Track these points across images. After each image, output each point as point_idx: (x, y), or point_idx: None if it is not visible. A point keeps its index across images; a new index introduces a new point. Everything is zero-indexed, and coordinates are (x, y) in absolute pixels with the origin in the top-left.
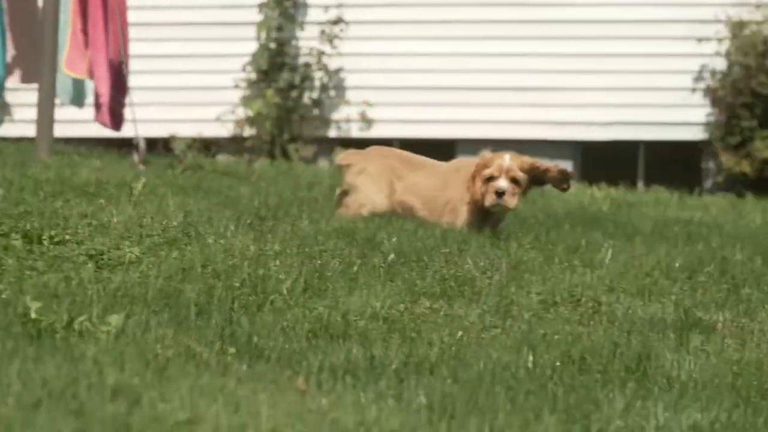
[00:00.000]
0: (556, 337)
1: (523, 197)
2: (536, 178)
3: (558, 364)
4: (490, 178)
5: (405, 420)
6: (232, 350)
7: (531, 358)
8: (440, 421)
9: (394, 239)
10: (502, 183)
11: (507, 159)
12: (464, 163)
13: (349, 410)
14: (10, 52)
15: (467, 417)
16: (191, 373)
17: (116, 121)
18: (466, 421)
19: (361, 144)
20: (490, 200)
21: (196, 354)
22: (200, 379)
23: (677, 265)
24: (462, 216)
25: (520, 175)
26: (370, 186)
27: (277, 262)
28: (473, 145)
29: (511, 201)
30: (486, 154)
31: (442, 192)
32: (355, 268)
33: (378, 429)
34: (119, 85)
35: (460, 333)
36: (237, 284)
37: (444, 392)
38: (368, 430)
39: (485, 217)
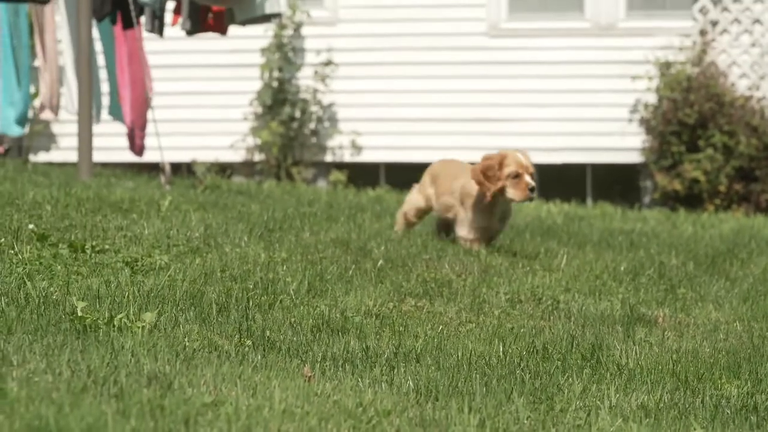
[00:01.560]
0: (522, 330)
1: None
2: None
3: (524, 353)
4: (517, 175)
5: (396, 401)
6: (248, 342)
7: (501, 348)
8: (426, 402)
9: (383, 248)
10: (530, 180)
11: (523, 157)
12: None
13: (348, 393)
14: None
15: (449, 398)
16: (214, 362)
17: (137, 149)
18: (448, 402)
19: (353, 167)
20: (522, 196)
21: (218, 346)
22: (222, 367)
23: (622, 268)
24: (463, 215)
25: (533, 171)
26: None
27: (285, 268)
28: None
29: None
30: (491, 153)
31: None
32: (351, 272)
33: (374, 409)
34: (139, 120)
35: (440, 327)
36: (251, 286)
37: (429, 378)
38: (366, 410)
39: (491, 215)
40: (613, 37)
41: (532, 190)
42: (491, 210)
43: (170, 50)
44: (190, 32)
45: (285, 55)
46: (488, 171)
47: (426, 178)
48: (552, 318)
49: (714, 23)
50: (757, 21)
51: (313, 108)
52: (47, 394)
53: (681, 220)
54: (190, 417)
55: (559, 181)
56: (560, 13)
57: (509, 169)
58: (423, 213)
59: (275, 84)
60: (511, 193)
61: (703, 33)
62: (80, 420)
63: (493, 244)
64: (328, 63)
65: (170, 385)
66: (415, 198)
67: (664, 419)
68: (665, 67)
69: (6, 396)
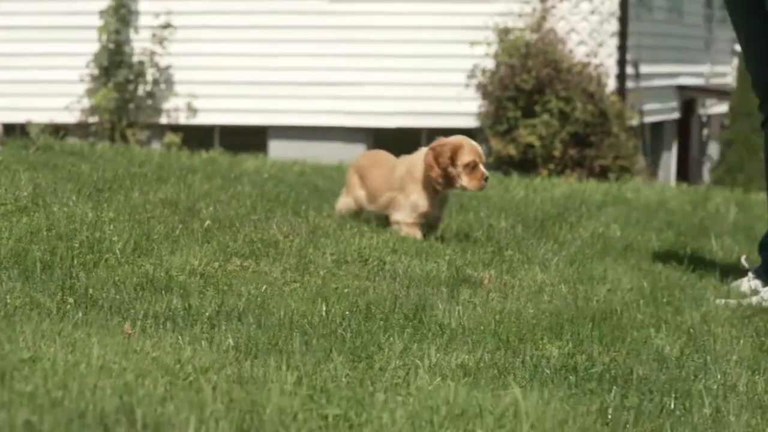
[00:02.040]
0: (346, 290)
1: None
2: None
3: (347, 313)
4: (475, 165)
5: (215, 358)
6: (70, 300)
7: (324, 307)
8: (246, 359)
9: (211, 208)
10: (484, 169)
11: (477, 146)
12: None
13: (168, 350)
14: None
15: (268, 356)
16: (35, 319)
17: None
18: (267, 360)
19: (188, 129)
20: (477, 185)
21: (39, 303)
22: (42, 324)
23: (452, 229)
24: (404, 200)
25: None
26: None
27: (112, 227)
28: (282, 131)
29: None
30: (442, 140)
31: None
32: (177, 232)
33: (192, 366)
34: None
35: (264, 287)
36: (77, 245)
37: (249, 336)
38: (183, 366)
39: (434, 200)
40: (452, 3)
41: (486, 179)
42: (434, 195)
43: (7, 11)
44: None
45: (123, 18)
46: (439, 158)
47: (353, 179)
48: (377, 279)
49: None
50: None
51: (150, 70)
52: None
53: (513, 185)
54: (6, 372)
55: (394, 145)
56: None
57: (467, 158)
58: (357, 213)
59: (112, 46)
60: (466, 181)
61: None
62: None
63: (434, 233)
64: (167, 26)
65: None
66: (344, 202)
67: (483, 378)
68: (504, 33)
69: None
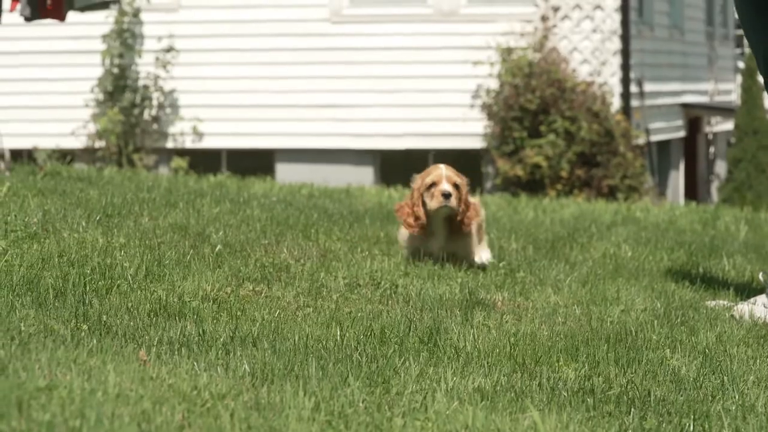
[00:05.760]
0: (359, 314)
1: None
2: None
3: (361, 337)
4: (432, 185)
5: (232, 385)
6: (84, 327)
7: (339, 332)
8: (262, 385)
9: (221, 233)
10: (446, 186)
11: (443, 168)
12: None
13: (184, 377)
14: None
15: (284, 382)
16: (49, 346)
17: None
18: (283, 385)
19: (194, 153)
20: (436, 204)
21: (54, 330)
22: (57, 352)
23: None
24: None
25: (459, 180)
26: None
27: (122, 253)
28: (289, 154)
29: (456, 203)
30: (416, 176)
31: None
32: (188, 257)
33: (209, 392)
34: None
35: (278, 311)
36: (88, 271)
37: (265, 361)
38: (200, 393)
39: (431, 237)
40: (454, 23)
41: (445, 195)
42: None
43: (10, 37)
44: (29, 18)
45: (125, 42)
46: (412, 194)
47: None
48: (390, 302)
49: (555, 9)
50: (598, 7)
51: (155, 94)
52: None
53: (522, 206)
54: (24, 401)
55: (402, 167)
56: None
57: (427, 179)
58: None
59: (116, 70)
60: (431, 203)
61: (544, 19)
62: None
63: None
64: (170, 49)
65: (4, 369)
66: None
67: (501, 401)
68: (507, 52)
69: None
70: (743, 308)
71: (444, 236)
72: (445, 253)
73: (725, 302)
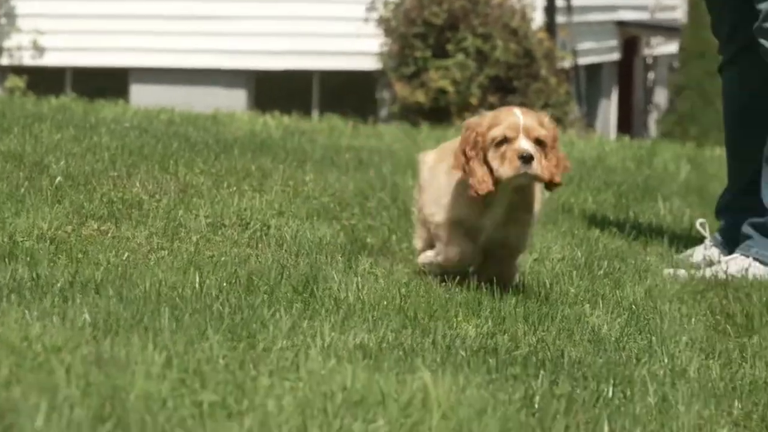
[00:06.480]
0: (223, 259)
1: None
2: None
3: (225, 285)
4: (503, 141)
5: (69, 336)
6: None
7: (197, 278)
8: (105, 338)
9: (63, 162)
10: (525, 144)
11: (519, 113)
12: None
13: (13, 327)
14: None
15: (131, 334)
16: None
17: None
18: (130, 338)
19: (34, 71)
20: (511, 171)
21: None
22: None
23: (350, 189)
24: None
25: (543, 133)
26: None
27: None
28: (146, 74)
29: (539, 168)
30: (476, 118)
31: None
32: (23, 190)
33: (41, 344)
34: None
35: (126, 254)
36: None
37: (109, 311)
38: (31, 345)
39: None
40: None
41: (524, 158)
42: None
43: None
44: None
45: None
46: (466, 143)
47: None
48: (260, 245)
49: None
50: None
51: None
52: None
53: (423, 137)
54: None
55: (281, 90)
56: None
57: (494, 131)
58: None
59: None
60: (503, 169)
61: None
62: None
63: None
64: None
65: None
66: None
67: (386, 361)
68: None
69: None
70: (677, 273)
71: (502, 212)
72: (489, 240)
73: (684, 272)
